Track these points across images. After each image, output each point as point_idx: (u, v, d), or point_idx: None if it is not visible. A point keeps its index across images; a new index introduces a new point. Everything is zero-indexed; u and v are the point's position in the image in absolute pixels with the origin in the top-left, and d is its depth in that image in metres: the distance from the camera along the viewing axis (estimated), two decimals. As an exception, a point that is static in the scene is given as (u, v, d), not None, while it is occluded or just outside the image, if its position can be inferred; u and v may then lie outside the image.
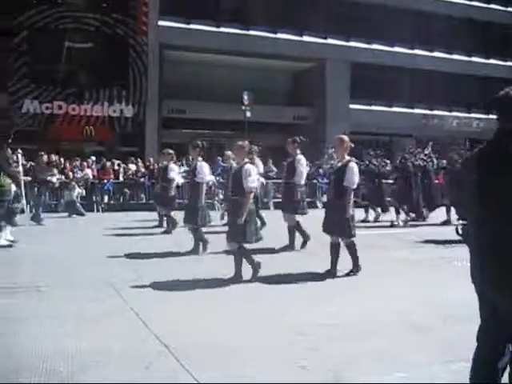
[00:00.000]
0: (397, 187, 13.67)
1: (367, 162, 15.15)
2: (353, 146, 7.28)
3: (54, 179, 17.14)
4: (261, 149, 12.31)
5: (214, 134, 26.17)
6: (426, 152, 15.30)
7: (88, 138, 24.46)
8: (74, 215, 15.51)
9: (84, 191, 16.90)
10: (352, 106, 28.80)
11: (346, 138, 7.23)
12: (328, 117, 28.23)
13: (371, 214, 14.44)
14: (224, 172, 19.28)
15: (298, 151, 9.27)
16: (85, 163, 18.48)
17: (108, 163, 18.94)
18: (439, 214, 13.93)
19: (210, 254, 8.68)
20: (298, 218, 9.35)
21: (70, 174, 17.80)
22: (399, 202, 13.38)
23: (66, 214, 15.61)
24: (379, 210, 14.33)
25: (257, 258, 7.07)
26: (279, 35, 27.49)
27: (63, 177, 17.63)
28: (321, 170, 20.99)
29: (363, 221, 13.88)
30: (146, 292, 6.28)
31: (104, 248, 9.22)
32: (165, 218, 12.03)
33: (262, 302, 5.97)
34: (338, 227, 7.03)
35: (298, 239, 9.36)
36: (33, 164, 15.72)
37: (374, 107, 29.49)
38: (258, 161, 11.34)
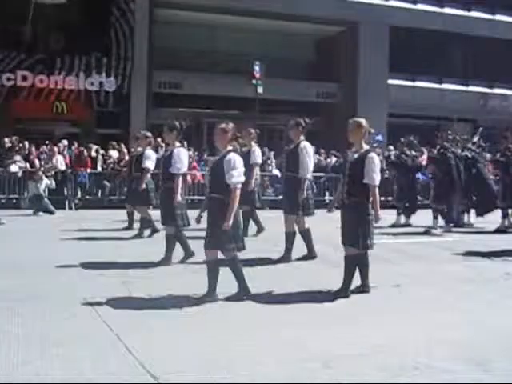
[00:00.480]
0: (435, 184, 13.64)
1: (398, 152, 15.17)
2: (372, 131, 7.22)
3: (16, 168, 17.28)
4: (259, 132, 12.38)
5: (216, 114, 25.74)
6: (475, 140, 15.07)
7: (59, 117, 24.60)
8: (41, 212, 15.56)
9: (54, 183, 16.94)
10: (391, 82, 28.66)
11: (363, 121, 7.10)
12: (360, 95, 28.05)
13: (403, 218, 14.42)
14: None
15: (302, 137, 9.16)
16: (55, 148, 18.51)
17: (83, 149, 19.00)
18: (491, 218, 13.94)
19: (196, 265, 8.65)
20: (299, 220, 9.29)
21: (37, 161, 17.86)
22: (436, 202, 13.29)
23: (30, 212, 15.67)
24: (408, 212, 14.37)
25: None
26: (299, -10, 27.42)
27: (28, 165, 17.70)
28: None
29: (393, 226, 13.94)
30: (129, 312, 6.29)
31: (73, 253, 9.28)
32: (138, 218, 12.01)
33: (277, 325, 5.91)
34: (350, 235, 6.97)
35: (296, 248, 9.40)
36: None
37: (418, 83, 29.40)
38: (255, 148, 11.46)
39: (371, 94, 27.21)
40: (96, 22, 24.59)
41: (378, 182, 6.84)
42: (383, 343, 5.25)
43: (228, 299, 6.70)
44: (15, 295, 6.73)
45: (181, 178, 8.50)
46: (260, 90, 24.48)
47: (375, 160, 6.87)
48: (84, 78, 24.56)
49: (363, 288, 7.18)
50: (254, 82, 24.48)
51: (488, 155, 15.53)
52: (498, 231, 13.20)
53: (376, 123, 21.35)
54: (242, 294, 6.76)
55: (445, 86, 29.99)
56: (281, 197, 18.15)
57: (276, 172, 20.24)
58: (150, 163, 11.27)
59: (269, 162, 20.97)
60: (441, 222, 13.28)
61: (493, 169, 14.86)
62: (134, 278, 7.85)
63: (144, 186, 11.25)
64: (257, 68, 24.53)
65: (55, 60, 24.38)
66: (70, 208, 17.40)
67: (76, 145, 20.34)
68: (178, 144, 8.81)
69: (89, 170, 18.28)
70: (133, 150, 13.36)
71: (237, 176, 6.54)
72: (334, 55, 28.99)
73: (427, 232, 13.02)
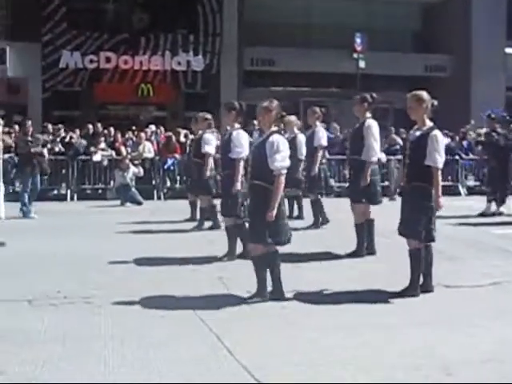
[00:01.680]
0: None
1: (488, 130, 13.93)
2: (435, 103, 6.67)
3: (99, 157, 17.18)
4: (326, 111, 12.19)
5: (313, 92, 25.49)
6: None
7: (145, 101, 24.54)
8: (128, 203, 15.42)
9: (142, 171, 16.77)
10: (509, 51, 27.47)
11: (425, 94, 6.60)
12: (474, 67, 26.97)
13: (494, 205, 13.38)
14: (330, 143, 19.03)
15: (368, 114, 8.64)
16: (142, 135, 18.41)
17: (172, 134, 18.79)
18: None
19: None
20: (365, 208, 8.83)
21: (123, 149, 17.76)
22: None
23: (117, 202, 15.59)
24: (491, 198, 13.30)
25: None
26: None
27: (113, 153, 17.66)
28: (465, 142, 20.27)
29: (482, 214, 13.10)
30: (231, 310, 6.22)
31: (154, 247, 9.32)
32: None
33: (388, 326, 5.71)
34: (410, 225, 6.60)
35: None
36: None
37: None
38: (320, 128, 11.19)
39: (486, 66, 26.02)
40: (181, -3, 24.48)
41: (441, 165, 6.52)
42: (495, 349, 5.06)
43: (251, 298, 6.48)
44: (105, 291, 6.83)
45: (242, 164, 8.08)
46: (362, 64, 24.00)
47: (439, 138, 6.54)
48: (170, 58, 24.50)
49: (426, 287, 6.80)
50: (355, 55, 24.04)
51: None
52: None
53: (493, 98, 20.73)
54: (271, 295, 6.49)
55: None
56: (387, 183, 17.78)
57: (381, 155, 19.47)
58: (210, 148, 10.74)
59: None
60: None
61: None
62: (227, 272, 7.69)
63: (208, 173, 10.73)
64: (358, 40, 24.10)
65: (139, 39, 24.40)
66: (159, 198, 17.20)
67: (163, 130, 20.22)
68: (237, 126, 8.38)
69: (178, 157, 18.04)
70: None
71: (280, 160, 6.20)
72: (443, 24, 27.77)
73: None
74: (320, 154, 11.02)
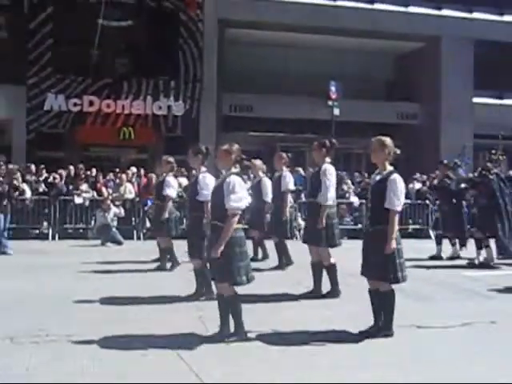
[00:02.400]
0: (477, 210, 12.72)
1: (441, 176, 13.92)
2: (398, 152, 6.65)
3: (80, 200, 17.16)
4: (292, 156, 12.12)
5: (290, 137, 25.69)
6: None
7: (126, 143, 24.52)
8: (109, 243, 15.38)
9: (123, 212, 16.76)
10: (476, 100, 27.81)
11: (388, 140, 6.61)
12: (443, 115, 27.38)
13: (447, 249, 13.55)
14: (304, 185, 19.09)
15: (328, 159, 8.68)
16: (123, 176, 18.39)
17: (152, 176, 18.79)
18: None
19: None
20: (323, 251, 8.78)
21: (104, 190, 17.77)
22: (480, 230, 12.33)
23: (97, 242, 15.53)
24: (457, 243, 13.41)
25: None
26: (376, 5, 26.93)
27: (95, 193, 17.65)
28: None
29: (433, 258, 13.24)
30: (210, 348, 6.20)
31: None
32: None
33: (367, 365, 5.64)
34: (377, 266, 6.48)
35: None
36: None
37: (506, 101, 28.39)
38: (287, 173, 11.17)
39: (455, 114, 26.55)
40: (163, 44, 24.70)
41: (399, 208, 6.46)
42: None
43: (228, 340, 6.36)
44: (86, 329, 6.68)
45: (210, 206, 7.93)
46: (336, 111, 24.20)
47: (397, 182, 6.45)
48: (151, 102, 24.62)
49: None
50: (329, 103, 24.20)
51: None
52: None
53: (461, 145, 20.91)
54: (239, 335, 6.41)
55: (536, 103, 28.84)
56: (360, 225, 17.83)
57: (354, 199, 19.55)
58: (171, 191, 10.95)
59: (345, 188, 20.25)
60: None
61: None
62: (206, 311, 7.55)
63: (166, 215, 10.90)
64: (333, 88, 24.30)
65: (122, 84, 24.52)
66: (139, 238, 17.18)
67: (143, 172, 20.22)
68: (203, 169, 8.41)
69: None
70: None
71: (234, 201, 6.16)
72: (413, 73, 28.26)
73: (470, 264, 12.30)
74: (287, 197, 11.00)
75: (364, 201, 17.45)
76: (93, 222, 16.93)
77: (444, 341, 6.65)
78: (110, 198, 16.87)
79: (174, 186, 11.14)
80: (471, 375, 5.40)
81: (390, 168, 6.59)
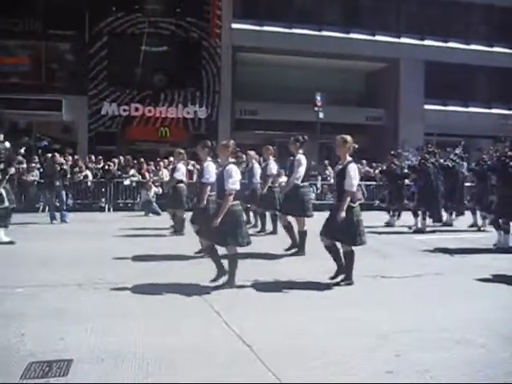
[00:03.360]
0: (416, 189, 12.53)
1: (388, 163, 13.94)
2: (356, 146, 6.59)
3: (128, 182, 17.13)
4: (276, 148, 12.11)
5: (285, 135, 25.15)
6: (457, 152, 13.59)
7: (163, 139, 24.39)
8: (150, 214, 15.38)
9: (161, 190, 16.74)
10: (427, 107, 27.44)
11: (349, 138, 6.55)
12: (401, 118, 27.03)
13: (393, 218, 13.44)
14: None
15: (301, 151, 8.63)
16: (161, 163, 18.37)
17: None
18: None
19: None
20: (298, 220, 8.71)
21: (147, 174, 17.75)
22: (418, 204, 12.20)
23: (142, 213, 15.53)
24: (396, 213, 13.39)
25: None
26: (351, 35, 26.51)
27: (140, 177, 17.63)
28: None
29: (387, 224, 13.12)
30: (227, 292, 6.19)
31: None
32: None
33: (340, 305, 5.75)
34: (339, 231, 6.40)
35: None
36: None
37: (449, 107, 28.02)
38: (271, 161, 10.89)
39: (410, 117, 26.28)
40: (191, 64, 24.54)
41: (353, 188, 6.38)
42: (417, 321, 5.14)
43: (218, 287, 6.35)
44: (132, 279, 6.56)
45: (208, 188, 7.73)
46: (321, 115, 23.92)
47: (351, 169, 6.40)
48: (182, 109, 24.47)
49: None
50: (315, 109, 23.95)
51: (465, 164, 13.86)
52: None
53: (415, 141, 20.76)
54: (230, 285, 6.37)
55: (471, 109, 28.47)
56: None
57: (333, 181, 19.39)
58: (178, 174, 11.06)
59: (327, 172, 20.17)
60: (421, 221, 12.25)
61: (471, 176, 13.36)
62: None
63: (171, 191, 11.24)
64: (318, 98, 23.99)
65: (160, 95, 24.37)
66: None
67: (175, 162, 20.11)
68: (209, 159, 8.08)
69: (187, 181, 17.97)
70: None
71: (231, 183, 6.12)
72: (379, 86, 27.96)
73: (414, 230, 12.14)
74: (270, 180, 10.77)
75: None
76: (138, 199, 16.93)
77: (401, 287, 6.64)
78: (151, 180, 16.85)
79: (182, 171, 11.17)
80: (422, 313, 5.39)
81: (348, 159, 6.54)
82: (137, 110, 23.98)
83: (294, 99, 24.94)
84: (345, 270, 6.61)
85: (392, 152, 14.06)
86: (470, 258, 8.74)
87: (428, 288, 6.58)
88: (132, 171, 17.82)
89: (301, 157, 8.55)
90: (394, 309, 5.54)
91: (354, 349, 4.35)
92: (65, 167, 14.32)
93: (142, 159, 18.77)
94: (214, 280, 6.47)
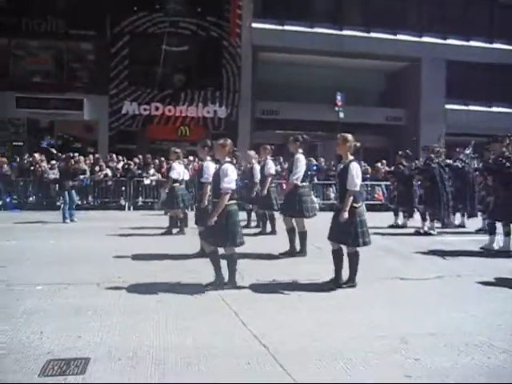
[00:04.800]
0: (422, 191, 12.26)
1: (397, 163, 13.60)
2: (358, 145, 6.42)
3: (148, 181, 17.19)
4: (274, 148, 11.81)
5: (306, 135, 25.36)
6: (467, 152, 13.18)
7: (183, 139, 24.44)
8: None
9: (180, 190, 16.73)
10: (448, 107, 27.14)
11: (350, 136, 6.40)
12: (422, 118, 26.73)
13: (400, 219, 13.24)
14: (317, 171, 18.85)
15: (300, 150, 8.45)
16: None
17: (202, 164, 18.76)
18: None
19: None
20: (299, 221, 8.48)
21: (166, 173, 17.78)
22: (424, 206, 11.92)
23: (161, 212, 15.55)
24: (406, 214, 13.12)
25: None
26: (373, 34, 26.30)
27: (159, 176, 17.67)
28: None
29: (392, 226, 12.91)
30: (244, 292, 6.16)
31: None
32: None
33: (358, 306, 5.64)
34: (342, 233, 6.22)
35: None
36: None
37: (471, 107, 27.66)
38: (269, 161, 10.77)
39: (431, 117, 25.91)
40: (211, 64, 24.59)
41: (356, 188, 6.13)
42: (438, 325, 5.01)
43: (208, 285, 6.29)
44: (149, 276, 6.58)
45: (209, 187, 7.51)
46: (341, 115, 23.87)
47: (353, 168, 6.17)
48: (202, 108, 24.51)
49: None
50: (336, 108, 23.89)
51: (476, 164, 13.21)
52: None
53: (436, 141, 20.50)
54: (226, 284, 6.30)
55: (494, 109, 28.09)
56: None
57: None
58: (173, 173, 11.05)
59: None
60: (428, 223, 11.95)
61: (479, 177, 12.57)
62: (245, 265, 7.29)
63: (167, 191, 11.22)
64: (338, 97, 23.99)
65: (180, 94, 24.44)
66: (192, 209, 17.20)
67: (196, 160, 20.17)
68: (208, 158, 7.91)
69: (206, 180, 18.02)
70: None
71: (227, 182, 6.00)
72: (400, 86, 27.68)
73: (417, 233, 11.84)
74: (269, 180, 10.63)
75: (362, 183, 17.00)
76: (158, 197, 16.96)
77: (420, 289, 6.54)
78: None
79: (177, 171, 11.13)
80: (442, 315, 5.29)
81: (350, 157, 6.34)
82: (157, 109, 24.08)
83: (314, 99, 24.87)
84: (336, 274, 6.47)
85: (400, 152, 13.75)
86: (487, 261, 8.56)
87: (447, 290, 6.45)
88: (152, 170, 17.88)
89: (300, 156, 8.39)
90: (413, 311, 5.46)
91: (372, 351, 4.27)
92: (77, 166, 14.43)
93: (162, 158, 18.82)
94: (210, 284, 6.32)
